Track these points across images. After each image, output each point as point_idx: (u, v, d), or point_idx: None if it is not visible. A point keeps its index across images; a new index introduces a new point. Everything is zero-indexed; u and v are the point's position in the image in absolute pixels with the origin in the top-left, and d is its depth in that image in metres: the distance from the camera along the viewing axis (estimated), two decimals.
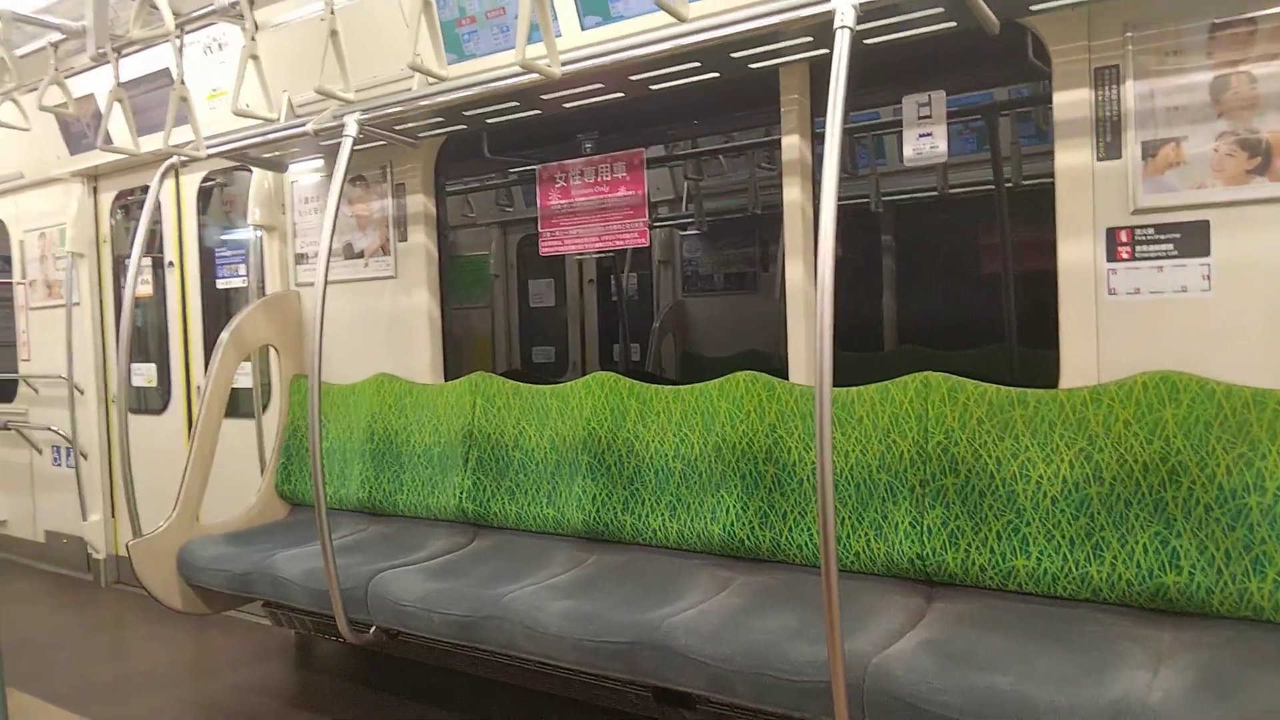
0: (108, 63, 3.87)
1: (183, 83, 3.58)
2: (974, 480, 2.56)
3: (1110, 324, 2.53)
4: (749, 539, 2.90)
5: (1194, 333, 2.41)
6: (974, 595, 2.55)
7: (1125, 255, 2.49)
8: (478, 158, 4.43)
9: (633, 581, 2.93)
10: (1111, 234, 2.52)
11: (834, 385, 2.09)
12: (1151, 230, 2.46)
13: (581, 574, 3.06)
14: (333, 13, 3.02)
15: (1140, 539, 2.31)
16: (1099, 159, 2.53)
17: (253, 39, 3.32)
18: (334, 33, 3.03)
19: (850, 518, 2.73)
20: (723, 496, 2.97)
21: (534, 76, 2.74)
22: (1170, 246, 2.44)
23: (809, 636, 2.30)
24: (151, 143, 4.08)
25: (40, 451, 5.79)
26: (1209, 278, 2.39)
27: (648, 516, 3.13)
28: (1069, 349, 2.60)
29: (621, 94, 3.21)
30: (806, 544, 2.81)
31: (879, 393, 2.77)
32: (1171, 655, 2.12)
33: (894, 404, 2.73)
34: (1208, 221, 2.39)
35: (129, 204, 5.43)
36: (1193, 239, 2.41)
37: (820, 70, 3.02)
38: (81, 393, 5.38)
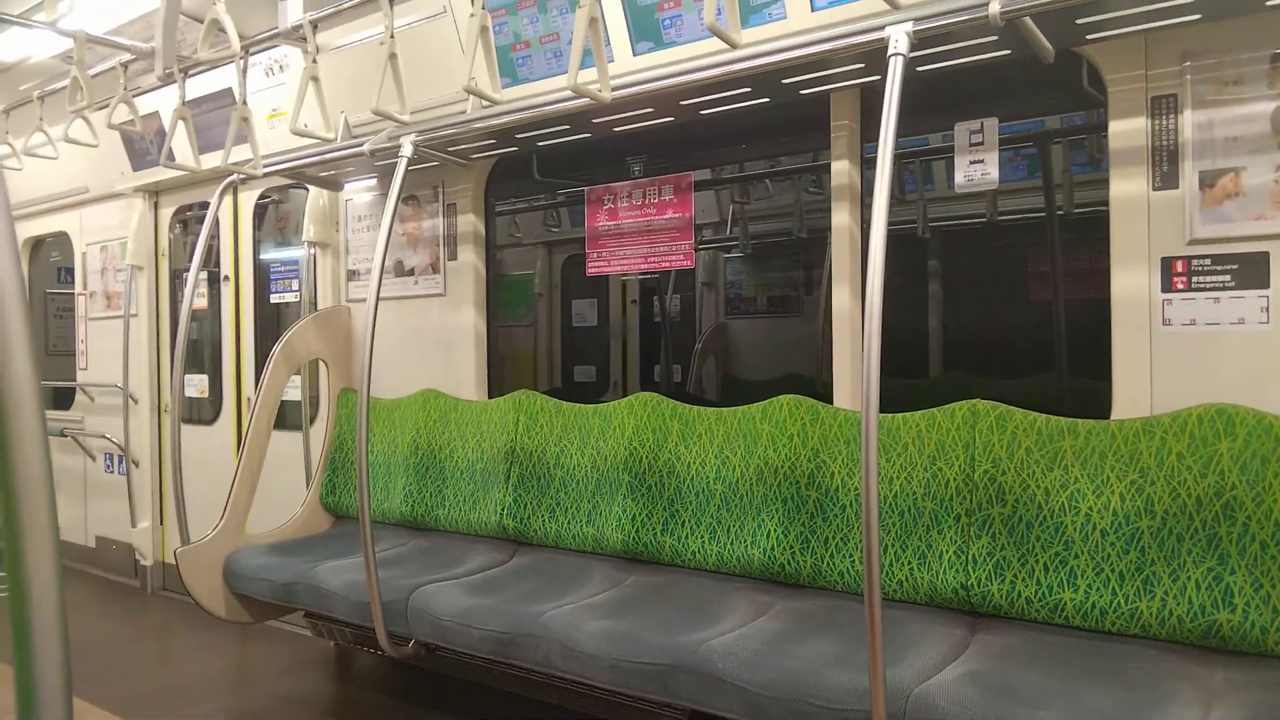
0: (174, 82, 3.99)
1: (244, 103, 3.69)
2: (1021, 510, 2.52)
3: (1165, 355, 2.49)
4: (789, 564, 2.88)
5: (1251, 366, 2.36)
6: (1019, 628, 2.50)
7: (1181, 286, 2.46)
8: (527, 179, 4.49)
9: (671, 603, 2.92)
10: (1167, 264, 2.48)
11: (880, 411, 2.08)
12: (1208, 261, 2.42)
13: (619, 594, 3.05)
14: (392, 36, 3.09)
15: (1193, 575, 2.26)
16: (1155, 188, 2.50)
17: (314, 61, 3.40)
18: (393, 56, 3.10)
19: (894, 545, 2.70)
20: (764, 520, 2.95)
21: (586, 100, 2.79)
22: (1228, 278, 2.39)
23: (849, 664, 2.27)
24: (212, 160, 4.19)
25: (94, 458, 5.93)
26: (1268, 310, 2.34)
27: (687, 538, 3.12)
28: (1122, 379, 2.56)
29: (671, 118, 3.24)
30: (848, 571, 2.78)
31: (925, 419, 2.74)
32: (1223, 695, 2.06)
33: (941, 431, 2.70)
34: (1267, 253, 2.34)
35: (187, 219, 5.58)
36: (1251, 271, 2.36)
37: (870, 95, 3.03)
38: (136, 402, 5.52)
